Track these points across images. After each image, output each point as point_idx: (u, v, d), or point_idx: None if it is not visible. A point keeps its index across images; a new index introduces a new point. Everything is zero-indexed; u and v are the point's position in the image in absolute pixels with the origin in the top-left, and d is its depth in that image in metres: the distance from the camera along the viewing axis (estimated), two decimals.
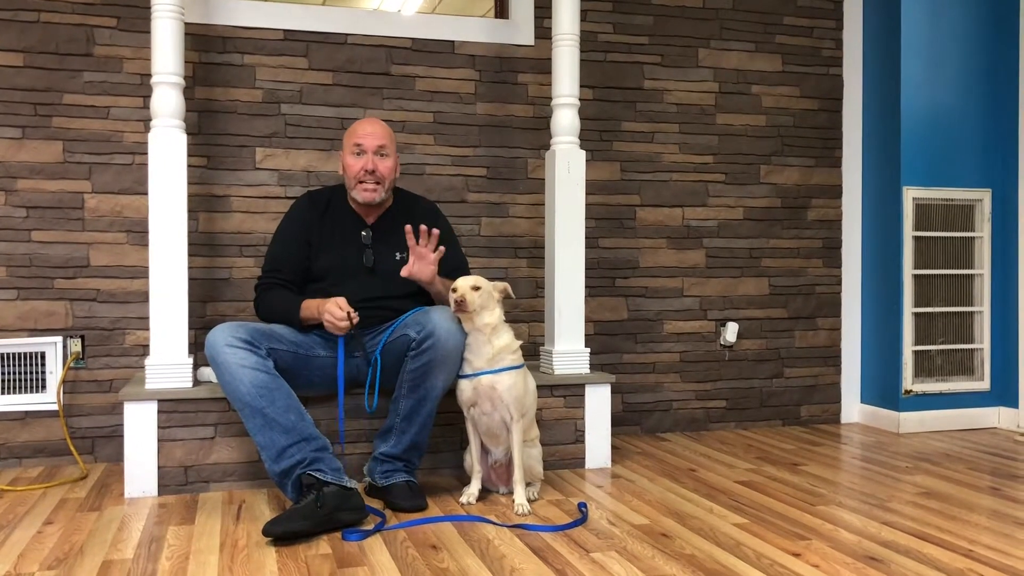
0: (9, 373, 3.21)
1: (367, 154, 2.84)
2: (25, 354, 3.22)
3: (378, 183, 2.85)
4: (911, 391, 3.92)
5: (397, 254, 2.88)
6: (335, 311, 2.68)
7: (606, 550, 2.28)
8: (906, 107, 3.91)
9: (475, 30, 3.68)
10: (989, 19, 4.01)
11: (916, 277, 3.95)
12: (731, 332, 3.97)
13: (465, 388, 2.71)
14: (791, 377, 4.09)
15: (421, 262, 2.75)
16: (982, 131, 4.01)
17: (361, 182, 2.85)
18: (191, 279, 3.16)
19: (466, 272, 2.94)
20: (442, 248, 2.75)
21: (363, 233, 2.90)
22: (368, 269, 2.88)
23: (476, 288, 2.66)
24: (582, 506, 2.65)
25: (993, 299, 4.06)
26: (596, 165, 3.79)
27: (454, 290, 2.67)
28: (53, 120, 3.25)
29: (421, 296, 2.90)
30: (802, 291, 4.11)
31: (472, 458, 2.78)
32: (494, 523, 2.51)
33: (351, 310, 2.69)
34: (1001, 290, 4.05)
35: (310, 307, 2.76)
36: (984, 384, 4.05)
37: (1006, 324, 4.04)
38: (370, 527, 2.44)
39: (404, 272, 2.77)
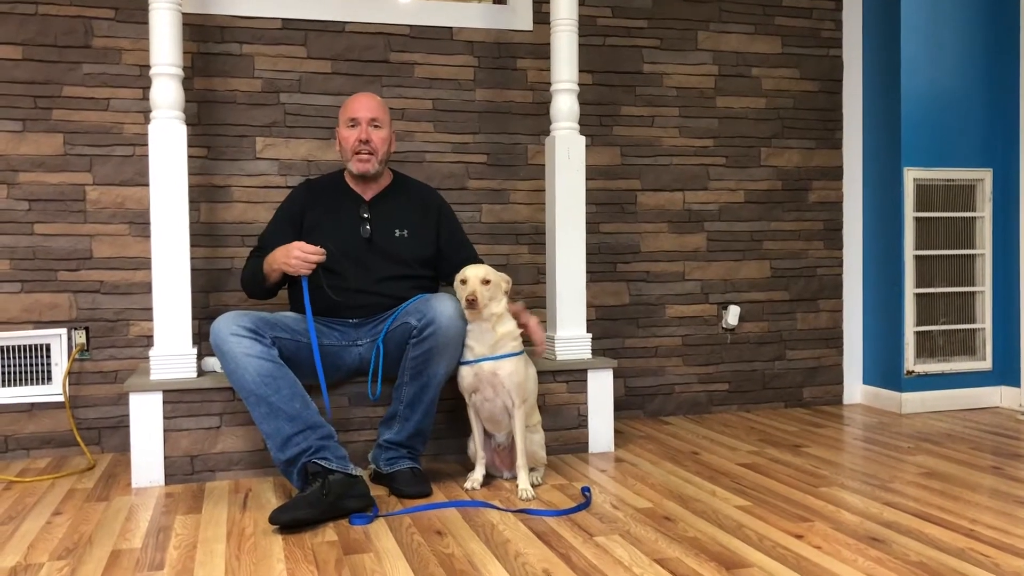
0: (15, 365, 3.23)
1: (361, 125, 2.86)
2: (30, 346, 3.24)
3: (371, 154, 2.87)
4: (913, 372, 3.93)
5: (396, 231, 2.89)
6: (304, 246, 2.71)
7: (610, 534, 2.30)
8: (906, 88, 3.90)
9: (473, 16, 3.67)
10: None
11: (917, 258, 3.95)
12: (733, 315, 3.97)
13: (466, 375, 2.72)
14: (793, 359, 4.10)
15: None
16: (983, 111, 4.00)
17: (357, 153, 2.87)
18: (193, 269, 3.17)
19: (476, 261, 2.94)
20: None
21: (361, 207, 2.92)
22: (366, 241, 2.88)
23: (486, 282, 2.66)
24: (585, 490, 2.66)
25: (994, 279, 4.06)
26: (596, 150, 3.79)
27: (463, 282, 2.67)
28: (53, 113, 3.25)
29: (418, 279, 2.91)
30: (803, 273, 4.11)
31: (475, 444, 2.79)
32: (498, 508, 2.53)
33: (318, 247, 2.73)
34: (1002, 270, 4.05)
35: (272, 258, 2.78)
36: (986, 364, 4.05)
37: (1007, 304, 4.04)
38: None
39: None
